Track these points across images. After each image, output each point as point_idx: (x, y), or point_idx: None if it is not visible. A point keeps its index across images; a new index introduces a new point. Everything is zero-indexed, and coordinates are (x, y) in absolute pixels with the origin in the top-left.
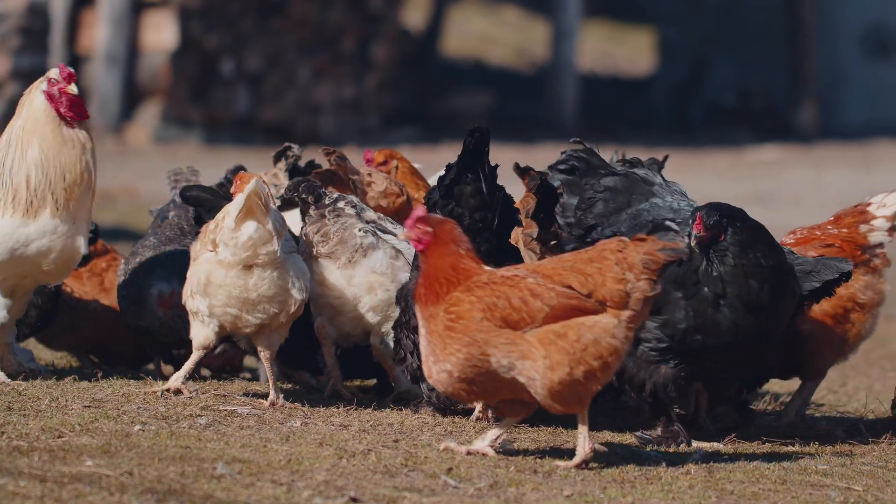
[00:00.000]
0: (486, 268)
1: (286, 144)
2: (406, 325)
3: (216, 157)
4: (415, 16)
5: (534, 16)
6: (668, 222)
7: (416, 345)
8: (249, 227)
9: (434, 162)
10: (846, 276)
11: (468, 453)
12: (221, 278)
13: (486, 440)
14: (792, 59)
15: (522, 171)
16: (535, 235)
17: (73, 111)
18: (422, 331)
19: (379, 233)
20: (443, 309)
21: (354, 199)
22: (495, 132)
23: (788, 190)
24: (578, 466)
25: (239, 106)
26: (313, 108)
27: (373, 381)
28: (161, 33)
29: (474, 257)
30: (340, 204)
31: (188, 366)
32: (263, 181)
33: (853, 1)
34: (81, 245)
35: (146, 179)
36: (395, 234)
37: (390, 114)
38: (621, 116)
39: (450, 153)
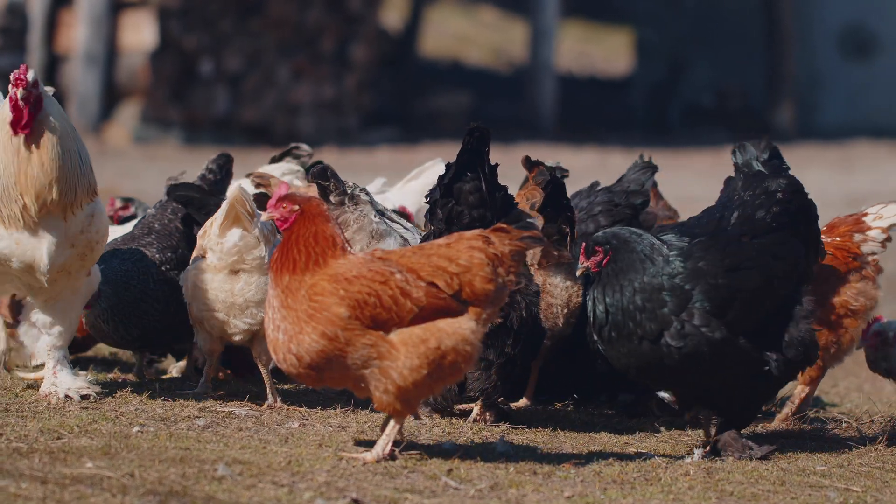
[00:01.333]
0: (350, 253)
1: (293, 144)
2: None
3: (196, 157)
4: (392, 16)
5: (511, 16)
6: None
7: None
8: (234, 234)
9: (414, 162)
10: None
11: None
12: (208, 282)
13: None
14: (770, 59)
15: (531, 164)
16: (539, 228)
17: (16, 118)
18: (274, 301)
19: (387, 221)
20: (305, 290)
21: (366, 187)
22: None
23: None
24: (377, 461)
25: (218, 106)
26: (292, 109)
27: None
28: (140, 33)
29: (338, 233)
30: (357, 191)
31: (206, 372)
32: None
33: (831, 2)
34: (42, 255)
35: (127, 179)
36: (400, 224)
37: (369, 114)
38: (600, 117)
39: (429, 153)
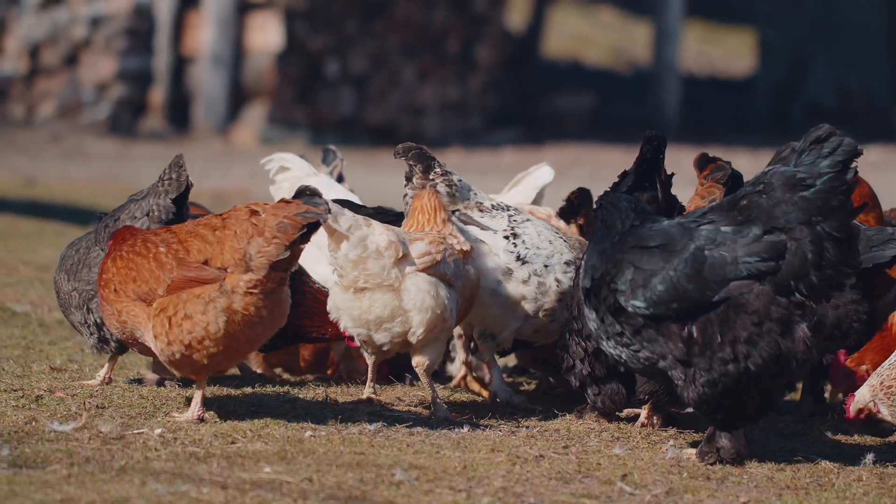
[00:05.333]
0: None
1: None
2: (578, 333)
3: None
4: (514, 17)
5: (630, 16)
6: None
7: (586, 352)
8: (343, 247)
9: (539, 163)
10: None
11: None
12: (342, 301)
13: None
14: (893, 58)
15: (706, 162)
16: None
17: None
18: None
19: (461, 221)
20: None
21: (457, 180)
22: (598, 133)
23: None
24: (189, 422)
25: (344, 107)
26: (417, 110)
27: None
28: (266, 34)
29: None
30: (439, 180)
31: (369, 377)
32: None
33: None
34: None
35: (256, 181)
36: (479, 226)
37: (493, 115)
38: (721, 117)
39: (555, 154)
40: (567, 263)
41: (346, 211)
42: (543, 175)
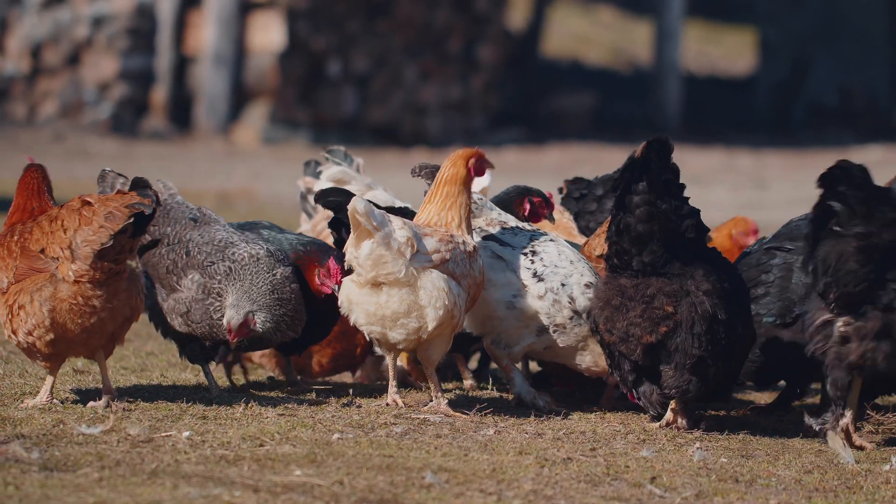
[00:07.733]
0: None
1: None
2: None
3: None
4: (514, 16)
5: (629, 16)
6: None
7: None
8: (365, 247)
9: (541, 163)
10: None
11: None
12: (357, 296)
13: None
14: (895, 57)
15: None
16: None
17: None
18: None
19: (480, 237)
20: None
21: (477, 198)
22: (600, 133)
23: None
24: (36, 407)
25: (346, 107)
26: (420, 109)
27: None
28: (268, 34)
29: None
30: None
31: (391, 380)
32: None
33: None
34: None
35: (260, 181)
36: (499, 241)
37: (495, 114)
38: (722, 117)
39: (556, 154)
40: (587, 286)
41: (376, 209)
42: (480, 181)
